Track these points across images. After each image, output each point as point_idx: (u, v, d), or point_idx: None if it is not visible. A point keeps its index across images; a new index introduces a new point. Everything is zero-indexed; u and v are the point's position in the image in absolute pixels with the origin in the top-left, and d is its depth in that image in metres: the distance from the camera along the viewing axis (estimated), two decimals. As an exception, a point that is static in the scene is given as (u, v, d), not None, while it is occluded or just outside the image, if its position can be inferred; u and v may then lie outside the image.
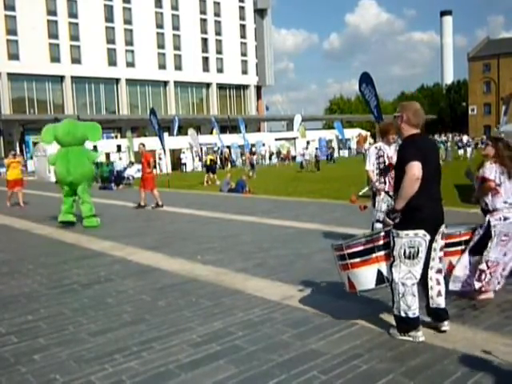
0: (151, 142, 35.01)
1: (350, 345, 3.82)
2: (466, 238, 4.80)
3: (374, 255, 4.00)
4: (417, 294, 3.86)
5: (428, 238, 3.85)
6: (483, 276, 4.72)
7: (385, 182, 6.62)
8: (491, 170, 4.76)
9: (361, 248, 4.03)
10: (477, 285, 4.74)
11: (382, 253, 4.00)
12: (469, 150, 35.45)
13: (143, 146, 14.41)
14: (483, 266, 4.69)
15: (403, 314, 3.86)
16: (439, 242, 4.02)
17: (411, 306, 3.83)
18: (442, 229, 4.01)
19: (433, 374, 3.32)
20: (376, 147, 6.70)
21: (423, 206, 3.82)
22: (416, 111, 3.96)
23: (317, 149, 36.64)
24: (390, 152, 6.48)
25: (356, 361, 3.55)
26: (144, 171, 13.98)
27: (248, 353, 3.79)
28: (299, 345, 3.88)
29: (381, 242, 4.01)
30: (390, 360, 3.54)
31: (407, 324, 3.87)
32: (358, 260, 4.03)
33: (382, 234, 4.07)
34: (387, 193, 6.61)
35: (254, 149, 42.11)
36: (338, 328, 4.19)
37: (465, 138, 40.18)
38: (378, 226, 6.27)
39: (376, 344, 3.83)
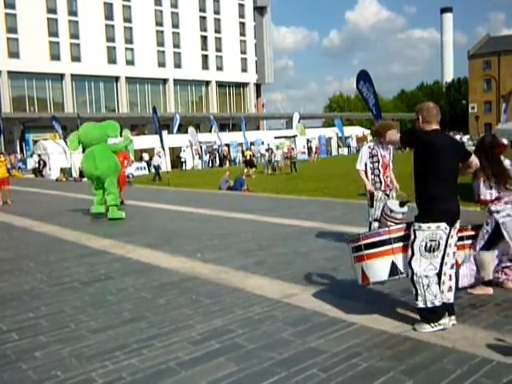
0: (151, 140, 35.19)
1: (350, 343, 3.83)
2: (472, 233, 4.86)
3: (390, 247, 4.05)
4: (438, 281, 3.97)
5: (448, 231, 3.93)
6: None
7: (380, 182, 6.64)
8: (485, 190, 4.83)
9: (377, 239, 4.08)
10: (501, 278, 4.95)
11: (398, 244, 4.05)
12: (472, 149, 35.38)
13: None
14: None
15: (430, 305, 3.93)
16: (454, 237, 4.10)
17: (437, 294, 3.94)
18: (457, 224, 4.09)
19: (432, 372, 3.33)
20: (369, 147, 6.75)
21: (444, 199, 3.91)
22: (428, 109, 4.07)
23: (293, 149, 35.10)
24: (383, 151, 6.58)
25: (355, 359, 3.56)
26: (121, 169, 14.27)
27: (248, 350, 3.80)
28: (299, 343, 3.89)
29: (398, 234, 4.07)
30: (390, 358, 3.55)
31: (436, 313, 3.94)
32: (373, 251, 4.07)
33: (402, 226, 4.13)
34: (384, 191, 6.64)
35: (270, 146, 42.06)
36: (338, 326, 4.19)
37: (465, 138, 39.74)
38: (376, 225, 6.29)
39: (375, 342, 3.83)
